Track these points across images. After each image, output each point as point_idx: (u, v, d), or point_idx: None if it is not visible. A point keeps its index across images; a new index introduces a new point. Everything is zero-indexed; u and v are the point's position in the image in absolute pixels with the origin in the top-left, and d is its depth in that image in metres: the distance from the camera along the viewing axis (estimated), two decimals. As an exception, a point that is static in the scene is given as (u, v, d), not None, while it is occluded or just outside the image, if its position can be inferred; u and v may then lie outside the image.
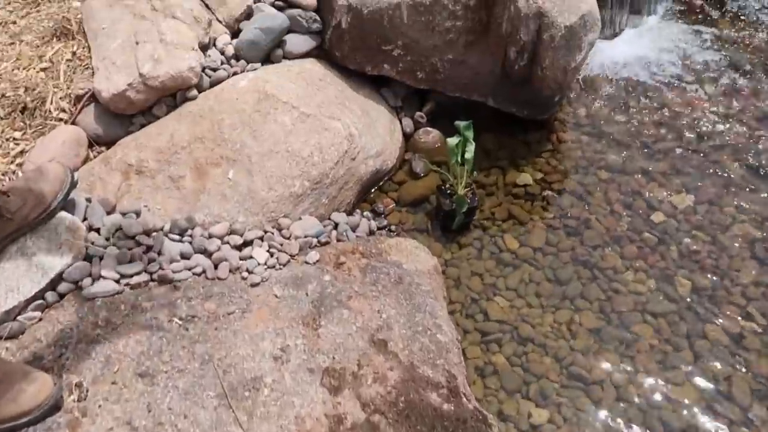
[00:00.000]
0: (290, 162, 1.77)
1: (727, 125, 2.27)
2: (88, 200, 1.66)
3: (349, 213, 1.94)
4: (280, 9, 2.06)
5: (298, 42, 2.07)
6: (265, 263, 1.61)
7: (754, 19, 2.82)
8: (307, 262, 1.64)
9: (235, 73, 1.92)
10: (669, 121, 2.30)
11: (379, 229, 1.92)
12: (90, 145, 1.81)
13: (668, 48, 2.65)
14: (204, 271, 1.57)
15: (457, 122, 1.90)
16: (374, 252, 1.70)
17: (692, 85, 2.46)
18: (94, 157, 1.81)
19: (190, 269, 1.56)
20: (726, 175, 2.09)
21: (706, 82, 2.47)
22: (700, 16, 2.84)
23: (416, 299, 1.59)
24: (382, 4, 1.98)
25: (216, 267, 1.59)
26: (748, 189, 2.04)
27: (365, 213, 1.96)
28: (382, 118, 2.14)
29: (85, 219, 1.61)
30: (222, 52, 1.95)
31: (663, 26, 2.77)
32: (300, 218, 1.77)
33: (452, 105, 2.27)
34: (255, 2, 2.05)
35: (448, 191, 1.96)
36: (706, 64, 2.56)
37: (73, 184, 1.58)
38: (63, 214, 1.56)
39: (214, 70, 1.89)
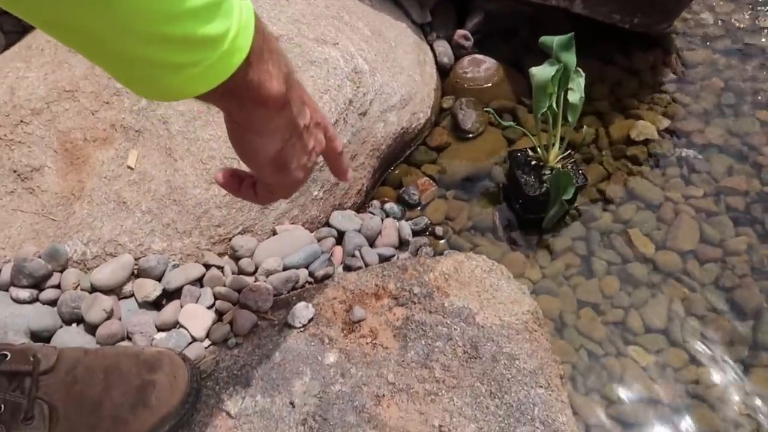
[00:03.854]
0: (247, 128, 0.93)
1: None
2: None
3: (360, 209, 1.13)
4: None
5: None
6: (207, 338, 0.81)
7: None
8: (290, 326, 0.84)
9: None
10: None
11: (414, 234, 1.11)
12: None
13: None
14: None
15: (543, 39, 1.06)
16: (417, 292, 0.90)
17: None
18: None
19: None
20: None
21: None
22: None
23: (512, 393, 0.80)
24: None
25: (105, 355, 0.79)
26: None
27: (387, 206, 1.14)
28: (404, 42, 1.29)
29: None
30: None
31: None
32: (274, 231, 0.96)
33: (511, 15, 1.43)
34: None
35: (532, 161, 1.14)
36: None
37: None
38: None
39: None
